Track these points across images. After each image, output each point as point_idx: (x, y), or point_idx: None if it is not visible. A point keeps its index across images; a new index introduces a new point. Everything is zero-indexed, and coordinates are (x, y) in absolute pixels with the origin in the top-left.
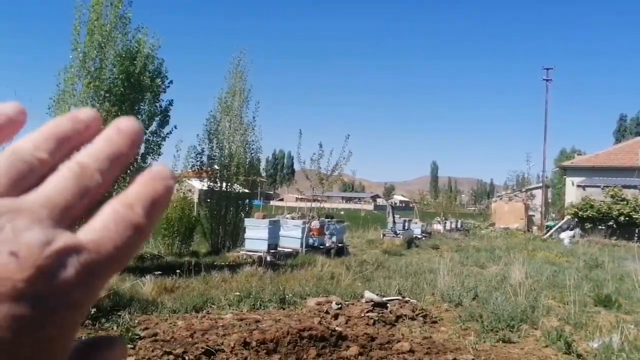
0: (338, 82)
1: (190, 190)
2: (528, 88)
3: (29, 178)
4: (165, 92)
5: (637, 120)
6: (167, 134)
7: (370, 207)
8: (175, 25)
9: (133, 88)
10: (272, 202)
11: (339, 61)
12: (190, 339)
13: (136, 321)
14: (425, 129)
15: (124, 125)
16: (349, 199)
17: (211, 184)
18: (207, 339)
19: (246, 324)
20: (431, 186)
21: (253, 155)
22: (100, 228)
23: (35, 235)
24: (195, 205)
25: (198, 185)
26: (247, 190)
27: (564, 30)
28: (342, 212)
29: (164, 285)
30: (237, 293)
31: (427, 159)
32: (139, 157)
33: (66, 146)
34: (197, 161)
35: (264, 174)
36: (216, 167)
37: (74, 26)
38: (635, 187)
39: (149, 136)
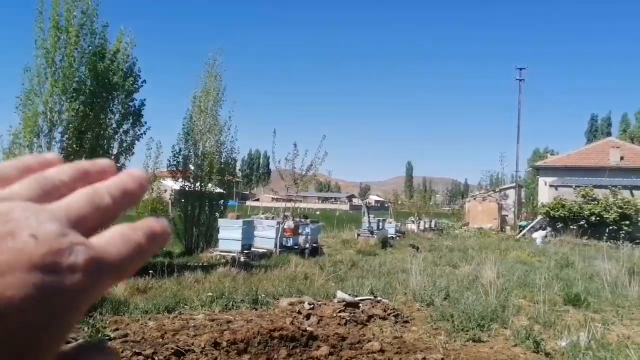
0: (315, 83)
1: (165, 191)
2: (501, 89)
3: (53, 194)
4: (138, 91)
5: (608, 120)
6: (141, 133)
7: (346, 207)
8: (155, 26)
9: (103, 86)
10: (247, 202)
11: (316, 62)
12: (160, 340)
13: (107, 322)
14: (400, 129)
15: (135, 171)
16: (325, 199)
17: (185, 183)
18: (177, 339)
19: (217, 324)
20: (406, 186)
21: (228, 155)
22: (109, 238)
23: (54, 226)
24: (169, 205)
25: (172, 185)
26: (221, 190)
27: (538, 31)
28: (317, 212)
29: (136, 286)
30: (210, 294)
31: (403, 159)
32: (113, 158)
33: (85, 178)
34: (175, 161)
35: (239, 174)
36: (191, 166)
37: (37, 22)
38: (606, 187)
39: (121, 135)
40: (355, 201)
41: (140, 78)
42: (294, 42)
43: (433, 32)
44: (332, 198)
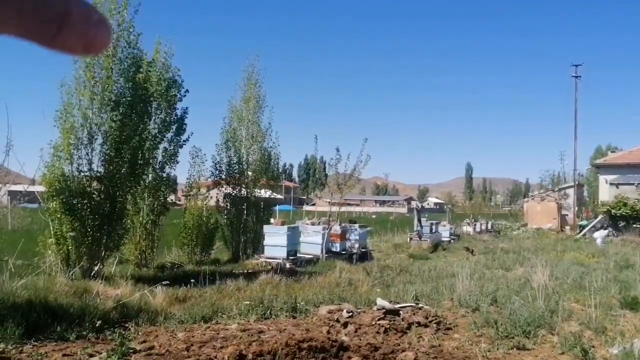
0: (372, 85)
1: (210, 198)
2: (562, 85)
3: None
4: (181, 100)
5: None
6: (184, 141)
7: (404, 210)
8: (187, 25)
9: (141, 97)
10: (305, 207)
11: (372, 61)
12: (185, 352)
13: (140, 333)
14: (458, 130)
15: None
16: (382, 202)
17: (230, 191)
18: (202, 352)
19: (248, 335)
20: (466, 187)
21: (272, 161)
22: None
23: None
24: (212, 213)
25: (216, 193)
26: (266, 196)
27: (595, 23)
28: (374, 216)
29: (175, 295)
30: (247, 302)
31: (462, 160)
32: (158, 167)
33: None
34: (217, 170)
35: (296, 180)
36: (236, 174)
37: None
38: None
39: (166, 145)
40: (414, 204)
41: (182, 87)
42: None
43: (487, 27)
44: (389, 201)
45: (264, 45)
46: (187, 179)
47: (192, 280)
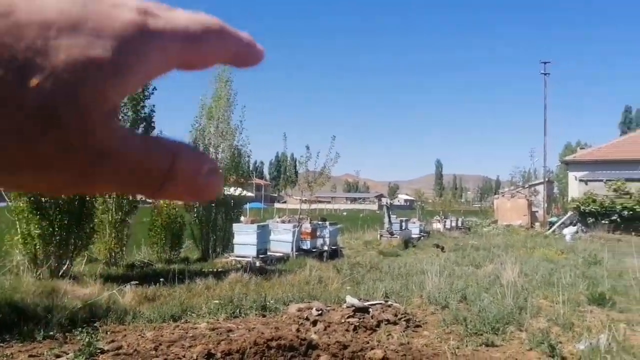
0: (343, 83)
1: None
2: (532, 83)
3: None
4: (149, 98)
5: None
6: None
7: (375, 207)
8: None
9: None
10: (276, 205)
11: (343, 60)
12: (153, 352)
13: (107, 332)
14: (429, 127)
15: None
16: (353, 200)
17: None
18: (170, 351)
19: (217, 334)
20: (436, 184)
21: (243, 159)
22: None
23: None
24: (181, 211)
25: None
26: (237, 194)
27: (565, 22)
28: (344, 213)
29: (144, 294)
30: (217, 301)
31: (432, 157)
32: None
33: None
34: None
35: (267, 177)
36: None
37: None
38: (639, 180)
39: None
40: (384, 201)
41: (150, 85)
42: (323, 34)
43: (459, 24)
44: (360, 198)
45: None
46: None
47: (161, 279)
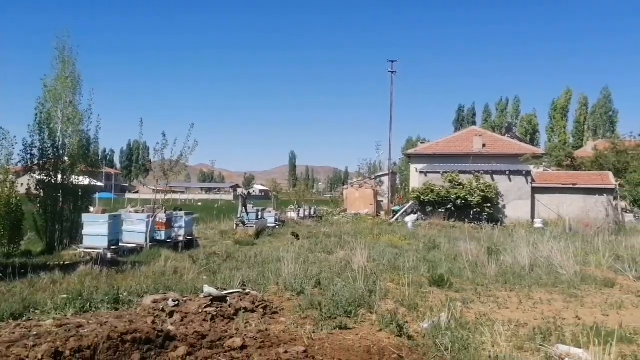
0: (197, 74)
1: (21, 185)
2: (380, 80)
3: None
4: None
5: (472, 111)
6: None
7: (230, 197)
8: None
9: None
10: (127, 195)
11: (197, 53)
12: None
13: None
14: (283, 119)
15: None
16: (208, 190)
17: (44, 177)
18: (10, 352)
19: (65, 331)
20: (290, 175)
21: (92, 146)
22: None
23: None
24: (22, 201)
25: (28, 180)
26: (85, 184)
27: (411, 23)
28: (199, 203)
29: None
30: (64, 295)
31: (286, 149)
32: None
33: None
34: (27, 154)
35: (119, 166)
36: (51, 159)
37: None
38: (470, 172)
39: None
40: (240, 191)
41: None
42: (184, 29)
43: (307, 21)
44: (215, 188)
45: (81, 21)
46: None
47: None
